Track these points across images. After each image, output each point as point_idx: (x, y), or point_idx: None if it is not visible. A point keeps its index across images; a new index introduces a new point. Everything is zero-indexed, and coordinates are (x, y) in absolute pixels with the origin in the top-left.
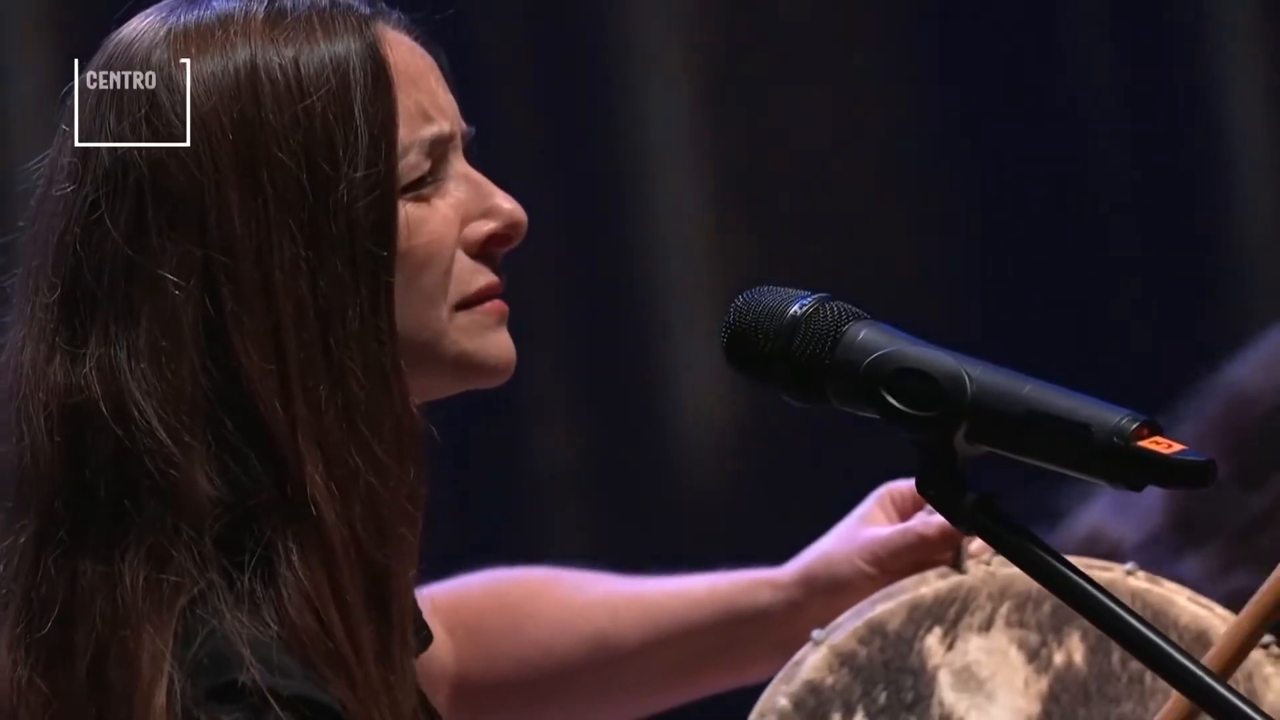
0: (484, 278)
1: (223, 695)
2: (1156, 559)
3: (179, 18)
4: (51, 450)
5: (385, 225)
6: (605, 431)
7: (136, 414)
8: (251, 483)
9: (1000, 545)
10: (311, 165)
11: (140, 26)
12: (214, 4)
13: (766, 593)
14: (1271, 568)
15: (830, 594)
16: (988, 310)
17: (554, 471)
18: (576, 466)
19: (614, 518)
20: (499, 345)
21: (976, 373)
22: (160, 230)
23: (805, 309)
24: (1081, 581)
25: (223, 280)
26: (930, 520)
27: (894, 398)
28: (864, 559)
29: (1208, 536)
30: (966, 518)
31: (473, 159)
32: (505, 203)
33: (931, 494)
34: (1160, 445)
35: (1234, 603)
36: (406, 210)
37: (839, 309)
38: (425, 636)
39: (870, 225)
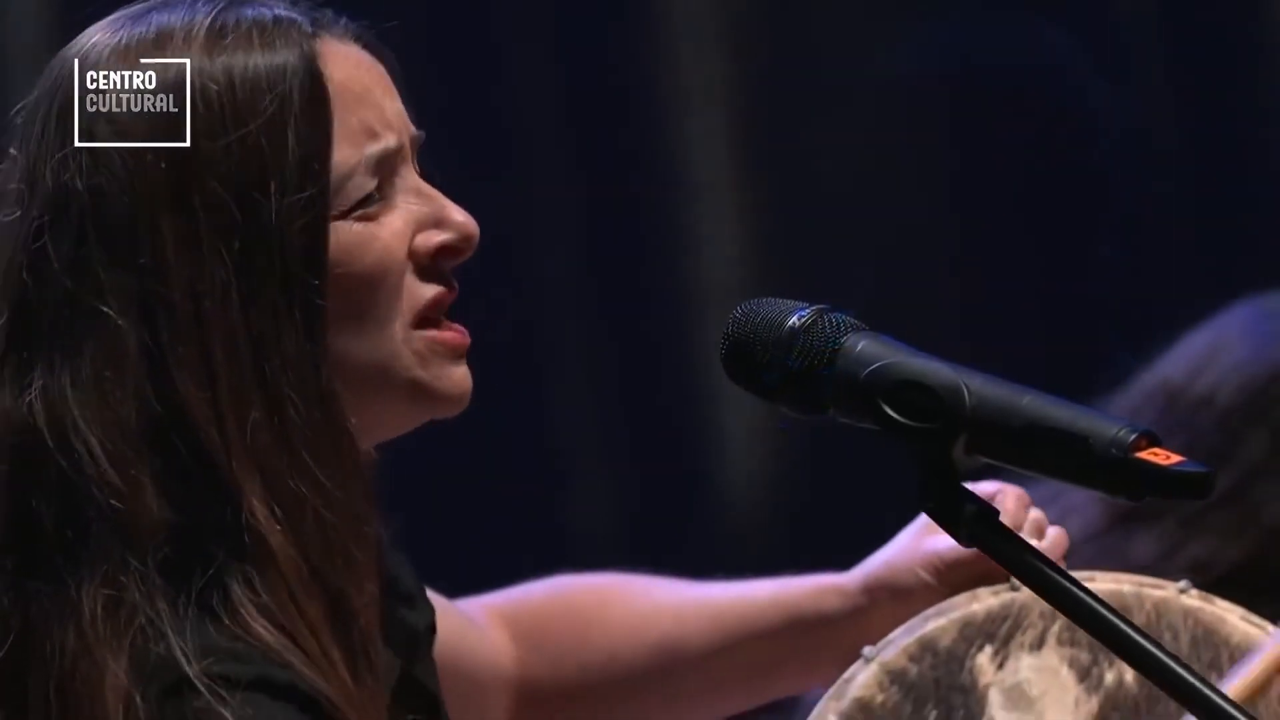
0: (433, 289)
1: (177, 692)
2: (1107, 544)
3: (121, 36)
4: None
5: (317, 249)
6: (645, 481)
7: (79, 444)
8: (198, 509)
9: (999, 557)
10: (242, 192)
11: (85, 45)
12: (155, 17)
13: (831, 599)
14: (1225, 540)
15: (893, 602)
16: (1040, 340)
17: (593, 524)
18: (617, 519)
19: (654, 571)
20: (454, 377)
21: (975, 384)
22: (100, 260)
23: (804, 320)
24: (1079, 592)
25: (159, 310)
26: None
27: (893, 409)
28: (925, 569)
29: (1157, 515)
30: (965, 529)
31: (443, 176)
32: (456, 214)
33: (930, 505)
34: (1159, 456)
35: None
36: (354, 230)
37: (838, 320)
38: (428, 622)
39: (912, 260)
